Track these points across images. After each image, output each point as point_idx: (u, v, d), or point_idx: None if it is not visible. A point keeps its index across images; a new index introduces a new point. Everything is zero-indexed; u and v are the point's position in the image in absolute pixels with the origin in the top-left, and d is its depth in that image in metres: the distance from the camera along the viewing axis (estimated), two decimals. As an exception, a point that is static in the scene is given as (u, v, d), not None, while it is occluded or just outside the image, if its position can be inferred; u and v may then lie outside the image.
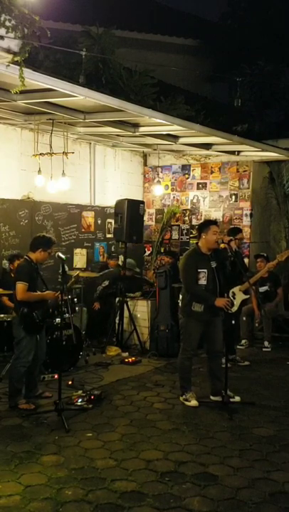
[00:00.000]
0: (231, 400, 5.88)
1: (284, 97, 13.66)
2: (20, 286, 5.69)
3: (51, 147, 8.11)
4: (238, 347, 8.58)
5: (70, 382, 6.48)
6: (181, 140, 8.86)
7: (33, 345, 5.79)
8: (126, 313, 8.42)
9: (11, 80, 5.44)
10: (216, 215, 10.29)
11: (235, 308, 7.38)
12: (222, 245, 6.14)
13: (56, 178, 8.12)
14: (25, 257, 5.96)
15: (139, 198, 10.37)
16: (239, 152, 9.89)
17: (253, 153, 9.68)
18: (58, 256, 5.72)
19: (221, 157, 10.28)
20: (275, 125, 12.46)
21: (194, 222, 10.47)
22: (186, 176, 10.80)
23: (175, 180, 10.95)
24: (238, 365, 7.60)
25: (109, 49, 9.69)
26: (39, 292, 5.85)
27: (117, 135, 9.05)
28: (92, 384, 6.58)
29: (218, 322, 5.98)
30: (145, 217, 10.19)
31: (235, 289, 7.53)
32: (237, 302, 7.53)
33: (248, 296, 7.87)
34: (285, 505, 3.86)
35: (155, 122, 7.47)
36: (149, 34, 14.44)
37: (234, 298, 7.43)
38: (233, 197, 10.26)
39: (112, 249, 10.20)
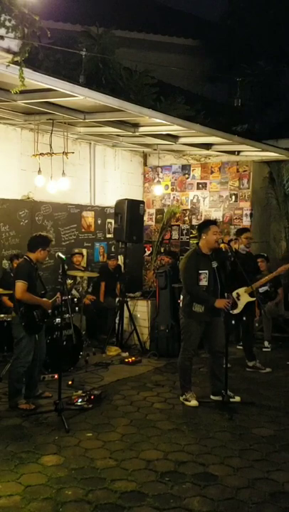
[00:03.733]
0: (231, 399, 5.88)
1: (284, 97, 13.68)
2: (20, 284, 5.68)
3: (51, 147, 8.11)
4: (238, 347, 8.58)
5: (70, 382, 6.48)
6: (181, 140, 8.86)
7: (33, 345, 5.79)
8: (126, 313, 8.42)
9: (11, 80, 5.44)
10: (216, 215, 10.29)
11: (238, 310, 7.19)
12: (222, 245, 6.14)
13: (56, 178, 8.12)
14: (24, 257, 5.96)
15: (139, 198, 10.38)
16: (239, 152, 9.89)
17: (253, 153, 9.68)
18: (58, 256, 5.72)
19: (221, 157, 10.28)
20: (275, 125, 12.47)
21: (194, 222, 10.47)
22: (186, 176, 10.80)
23: (175, 180, 10.95)
24: (260, 372, 7.29)
25: (109, 49, 9.69)
26: (38, 297, 5.80)
27: (117, 135, 9.05)
28: (92, 384, 6.58)
29: (219, 322, 5.98)
30: (145, 217, 10.20)
31: (240, 290, 7.22)
32: (241, 303, 7.22)
33: (254, 299, 7.42)
34: (285, 505, 3.86)
35: (155, 122, 7.47)
36: (149, 34, 14.44)
37: (238, 299, 7.21)
38: (233, 197, 10.26)
39: (112, 249, 10.20)
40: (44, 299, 5.89)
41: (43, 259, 6.01)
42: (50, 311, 6.05)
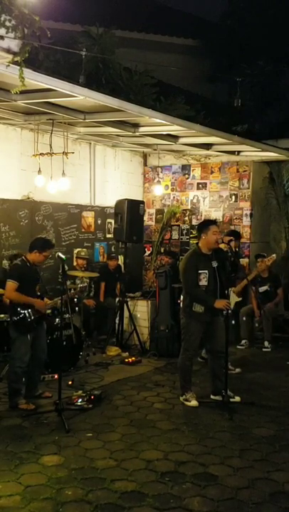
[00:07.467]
0: (231, 399, 5.88)
1: (284, 97, 13.68)
2: (9, 284, 5.70)
3: (51, 147, 8.11)
4: (238, 347, 8.60)
5: (70, 383, 6.48)
6: (181, 140, 8.86)
7: (29, 345, 5.76)
8: (126, 313, 8.42)
9: (11, 80, 5.45)
10: (216, 215, 10.29)
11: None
12: (222, 245, 6.14)
13: (56, 178, 8.12)
14: (22, 257, 5.96)
15: (139, 198, 10.37)
16: (239, 152, 9.88)
17: (253, 153, 9.68)
18: (58, 256, 5.71)
19: (221, 157, 10.28)
20: (275, 125, 12.46)
21: (194, 222, 10.46)
22: (186, 176, 10.80)
23: (175, 180, 10.94)
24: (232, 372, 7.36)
25: (109, 49, 9.70)
26: (28, 297, 5.73)
27: (117, 135, 9.05)
28: (92, 384, 6.58)
29: (219, 323, 5.98)
30: (145, 217, 10.19)
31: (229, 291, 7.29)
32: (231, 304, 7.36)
33: (240, 299, 7.75)
34: (285, 505, 3.86)
35: (155, 122, 7.47)
36: (149, 34, 14.45)
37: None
38: (233, 197, 10.25)
39: (112, 249, 10.20)
40: (36, 300, 5.80)
41: (38, 261, 5.93)
42: (48, 311, 6.00)
